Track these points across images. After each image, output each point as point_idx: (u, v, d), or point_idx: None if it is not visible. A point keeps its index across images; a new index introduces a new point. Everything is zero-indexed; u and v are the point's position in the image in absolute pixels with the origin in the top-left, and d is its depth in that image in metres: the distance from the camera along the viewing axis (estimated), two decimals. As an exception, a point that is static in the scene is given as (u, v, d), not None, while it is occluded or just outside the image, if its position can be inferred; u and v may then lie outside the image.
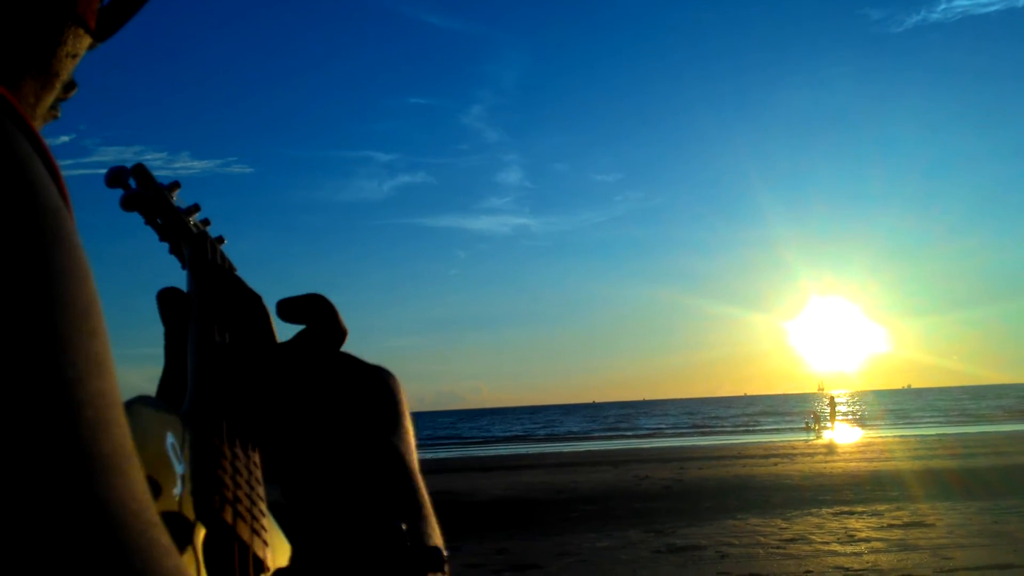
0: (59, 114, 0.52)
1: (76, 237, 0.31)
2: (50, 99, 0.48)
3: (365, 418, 0.57)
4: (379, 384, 0.59)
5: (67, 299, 0.28)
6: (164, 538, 0.28)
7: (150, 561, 0.26)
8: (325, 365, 0.59)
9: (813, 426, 32.63)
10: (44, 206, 0.30)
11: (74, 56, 0.48)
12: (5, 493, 0.23)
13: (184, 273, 0.77)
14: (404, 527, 0.48)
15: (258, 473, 0.56)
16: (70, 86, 0.51)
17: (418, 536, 0.49)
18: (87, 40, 0.49)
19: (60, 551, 0.24)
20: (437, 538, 0.52)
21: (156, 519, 0.28)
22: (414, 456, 0.57)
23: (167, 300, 0.67)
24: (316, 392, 0.57)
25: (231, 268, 0.79)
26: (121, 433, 0.28)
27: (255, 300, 0.66)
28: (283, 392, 0.57)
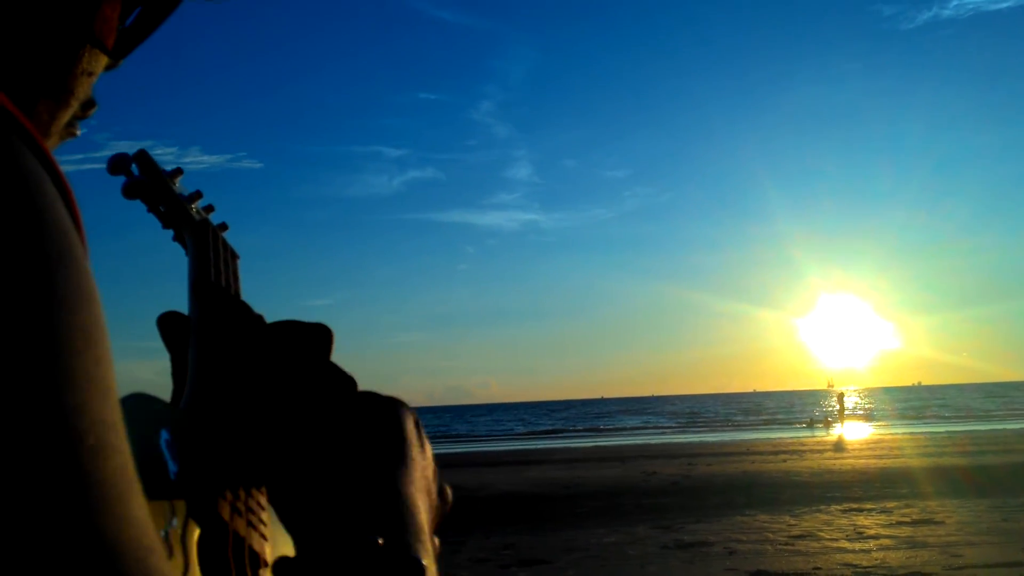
0: (78, 132, 0.52)
1: (83, 258, 0.30)
2: (66, 117, 0.48)
3: (361, 447, 0.57)
4: (385, 415, 0.59)
5: (71, 323, 0.28)
6: (163, 565, 0.28)
7: None
8: (324, 393, 0.58)
9: (819, 424, 32.64)
10: (50, 227, 0.29)
11: (90, 74, 0.47)
12: (3, 521, 0.23)
13: (186, 266, 0.76)
14: (380, 541, 0.48)
15: None
16: (89, 104, 0.51)
17: (402, 549, 0.49)
18: (104, 59, 0.48)
19: None
20: (427, 553, 0.52)
21: (155, 545, 0.28)
22: (419, 482, 0.56)
23: (168, 326, 0.65)
24: (312, 417, 0.58)
25: (234, 256, 0.79)
26: (122, 459, 0.28)
27: (257, 322, 0.64)
28: (280, 415, 0.57)
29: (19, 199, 0.28)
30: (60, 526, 0.24)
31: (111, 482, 0.27)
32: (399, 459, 0.58)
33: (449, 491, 0.63)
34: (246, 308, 0.64)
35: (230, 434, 0.54)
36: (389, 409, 0.61)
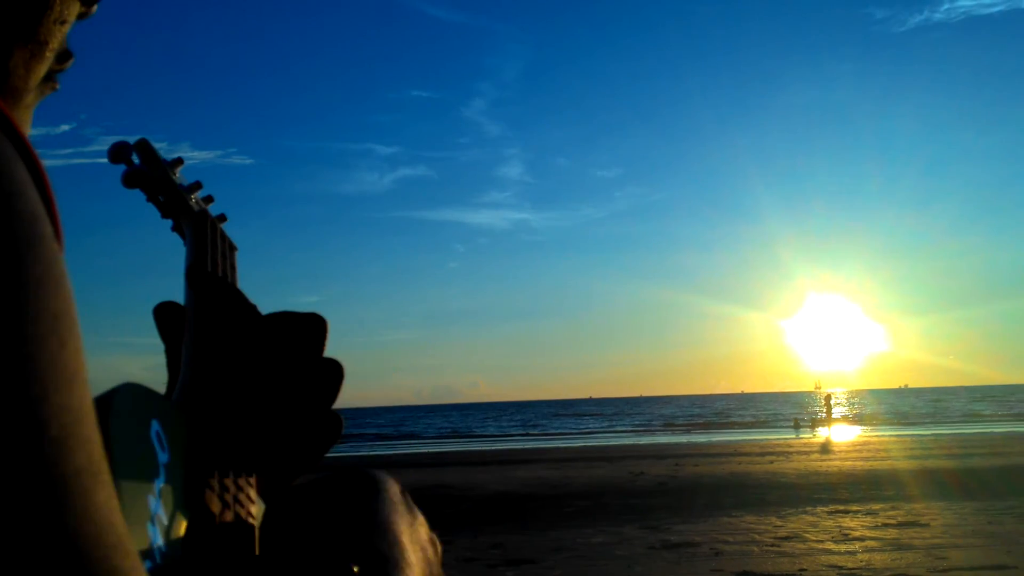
0: (58, 85, 0.50)
1: (52, 244, 0.29)
2: (42, 70, 0.47)
3: (336, 492, 0.56)
4: (363, 475, 0.58)
5: (36, 310, 0.27)
6: (127, 562, 0.27)
7: None
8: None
9: (804, 425, 32.83)
10: (18, 211, 0.28)
11: (63, 23, 0.46)
12: None
13: (183, 256, 0.76)
14: (356, 568, 0.47)
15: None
16: (65, 56, 0.50)
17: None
18: (76, 7, 0.47)
19: None
20: None
21: (119, 540, 0.27)
22: (403, 523, 0.54)
23: (165, 316, 0.64)
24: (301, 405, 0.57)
25: (232, 248, 0.78)
26: (88, 450, 0.27)
27: (252, 313, 0.62)
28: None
29: None
30: (17, 522, 0.24)
31: (75, 475, 0.26)
32: (375, 493, 0.57)
33: None
34: (241, 296, 0.63)
35: (221, 423, 0.53)
36: (368, 470, 0.61)
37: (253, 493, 0.52)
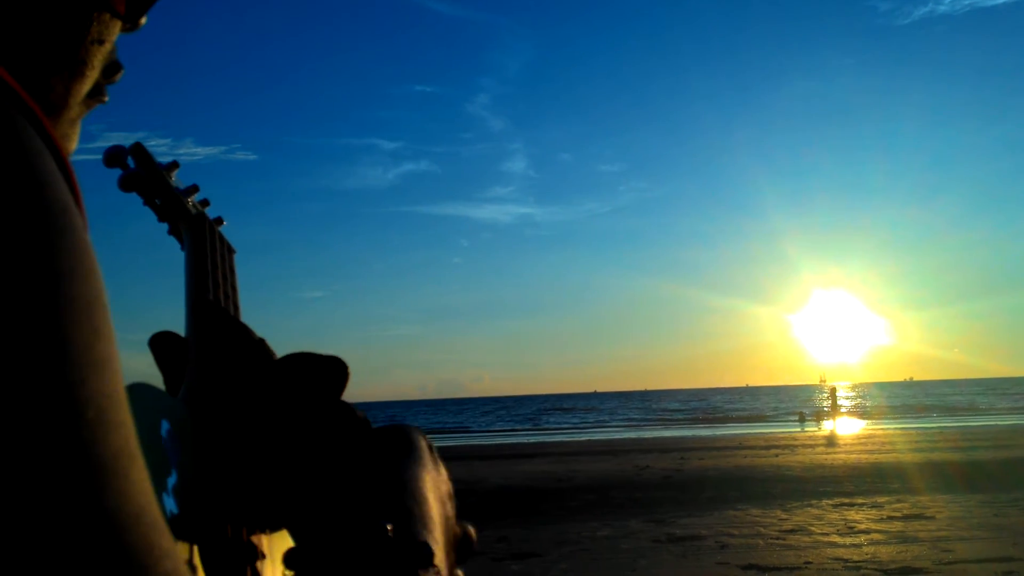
0: (106, 98, 0.51)
1: (83, 234, 0.30)
2: (83, 87, 0.47)
3: (368, 443, 0.54)
4: (396, 428, 0.56)
5: (70, 297, 0.28)
6: (164, 540, 0.28)
7: (147, 567, 0.26)
8: (326, 415, 0.55)
9: (809, 418, 32.86)
10: (50, 202, 0.29)
11: (102, 42, 0.47)
12: (2, 496, 0.23)
13: (181, 254, 0.77)
14: (390, 528, 0.47)
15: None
16: (114, 69, 0.50)
17: (410, 536, 0.48)
18: (117, 25, 0.47)
19: (56, 557, 0.24)
20: (436, 542, 0.50)
21: (156, 520, 0.28)
22: (429, 483, 0.53)
23: (161, 346, 0.62)
24: (313, 425, 0.54)
25: (231, 251, 0.79)
26: (123, 433, 0.28)
27: (259, 346, 0.59)
28: (281, 435, 0.53)
29: (20, 174, 0.28)
30: (60, 501, 0.24)
31: (112, 457, 0.27)
32: (407, 452, 0.57)
33: (472, 531, 0.59)
34: (247, 332, 0.60)
35: (232, 476, 0.51)
36: (401, 426, 0.59)
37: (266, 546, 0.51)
